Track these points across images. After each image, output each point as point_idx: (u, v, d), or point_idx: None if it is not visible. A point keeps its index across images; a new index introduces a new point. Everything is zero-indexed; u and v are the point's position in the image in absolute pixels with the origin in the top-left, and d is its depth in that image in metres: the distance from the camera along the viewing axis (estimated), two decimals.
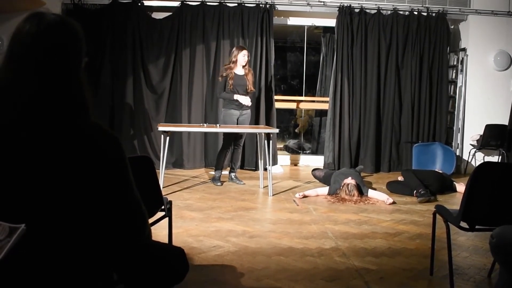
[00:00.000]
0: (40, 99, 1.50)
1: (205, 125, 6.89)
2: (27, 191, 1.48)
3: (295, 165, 9.08)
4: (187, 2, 8.13)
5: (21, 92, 1.50)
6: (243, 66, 6.82)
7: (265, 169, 6.73)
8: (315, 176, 7.20)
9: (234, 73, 6.77)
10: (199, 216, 5.07)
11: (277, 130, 6.82)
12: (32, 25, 1.54)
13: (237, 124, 6.88)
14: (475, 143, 8.53)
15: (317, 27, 9.53)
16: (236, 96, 6.73)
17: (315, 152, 9.76)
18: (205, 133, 8.12)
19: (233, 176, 7.14)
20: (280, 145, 9.88)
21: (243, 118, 6.94)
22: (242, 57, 6.78)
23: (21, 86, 1.50)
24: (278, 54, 8.44)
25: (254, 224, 4.84)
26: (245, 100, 6.79)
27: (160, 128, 6.27)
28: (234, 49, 6.93)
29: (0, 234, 1.39)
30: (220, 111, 7.24)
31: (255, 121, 8.15)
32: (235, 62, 6.78)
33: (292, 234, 4.47)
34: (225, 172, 7.85)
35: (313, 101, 9.68)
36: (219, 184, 6.86)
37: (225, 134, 6.93)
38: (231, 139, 6.92)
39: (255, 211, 5.47)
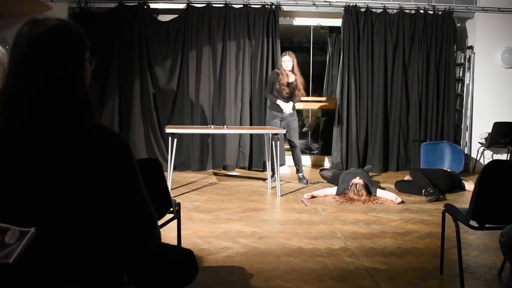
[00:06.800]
0: (42, 102, 1.51)
1: (212, 126, 6.92)
2: (36, 194, 1.49)
3: (303, 165, 9.05)
4: (193, 4, 8.14)
5: (24, 96, 1.51)
6: (290, 71, 7.05)
7: (273, 170, 6.74)
8: (323, 176, 7.20)
9: (281, 77, 7.03)
10: (207, 217, 5.08)
11: (284, 131, 6.82)
12: (29, 29, 1.55)
13: (282, 127, 7.14)
14: (483, 141, 8.49)
15: (323, 27, 9.51)
16: (278, 101, 7.03)
17: (323, 152, 9.73)
18: (213, 135, 8.13)
19: (300, 176, 7.28)
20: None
21: (288, 121, 7.16)
22: (283, 62, 7.05)
23: (24, 90, 1.51)
24: None
25: (263, 225, 4.84)
26: (285, 107, 7.04)
27: (168, 130, 6.29)
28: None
29: (11, 238, 1.39)
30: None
31: (262, 122, 8.15)
32: (281, 67, 7.09)
33: (301, 235, 4.47)
34: (234, 173, 7.90)
35: (320, 101, 9.66)
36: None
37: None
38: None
39: (264, 212, 5.47)
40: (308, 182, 7.11)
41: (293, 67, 7.06)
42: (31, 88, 1.51)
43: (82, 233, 1.52)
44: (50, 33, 1.55)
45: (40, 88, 1.52)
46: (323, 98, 9.71)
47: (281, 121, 7.17)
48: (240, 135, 8.17)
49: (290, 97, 7.08)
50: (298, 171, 7.32)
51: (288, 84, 7.04)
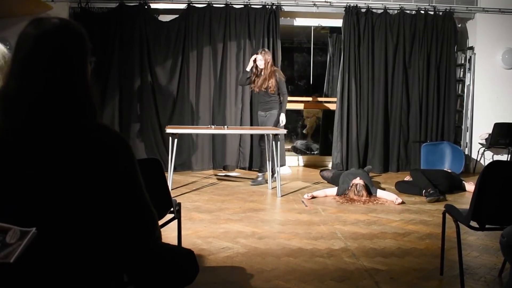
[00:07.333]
0: (45, 101, 1.51)
1: (212, 126, 6.93)
2: (37, 194, 1.49)
3: (303, 165, 9.08)
4: (194, 4, 8.15)
5: (26, 95, 1.51)
6: (263, 69, 7.00)
7: (273, 170, 6.74)
8: (323, 177, 7.19)
9: (256, 73, 7.05)
10: (208, 217, 5.08)
11: (285, 131, 6.81)
12: (32, 29, 1.55)
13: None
14: (484, 141, 8.49)
15: (323, 28, 9.52)
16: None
17: (323, 152, 9.73)
18: (213, 135, 8.13)
19: (258, 175, 7.25)
20: (288, 146, 9.87)
21: (266, 118, 7.16)
22: (256, 61, 7.02)
23: (26, 89, 1.51)
24: (285, 55, 8.44)
25: (263, 225, 4.84)
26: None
27: (168, 130, 6.29)
28: None
29: (12, 238, 1.39)
30: None
31: None
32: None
33: (301, 235, 4.47)
34: (234, 173, 7.91)
35: (321, 102, 9.67)
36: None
37: None
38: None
39: (264, 212, 5.47)
40: (254, 185, 7.01)
41: (265, 65, 6.96)
42: (35, 87, 1.51)
43: (82, 233, 1.52)
44: (56, 32, 1.56)
45: (44, 88, 1.52)
46: (324, 99, 9.72)
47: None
48: (241, 135, 8.18)
49: (265, 95, 7.06)
50: (261, 170, 7.29)
51: (254, 81, 7.07)
